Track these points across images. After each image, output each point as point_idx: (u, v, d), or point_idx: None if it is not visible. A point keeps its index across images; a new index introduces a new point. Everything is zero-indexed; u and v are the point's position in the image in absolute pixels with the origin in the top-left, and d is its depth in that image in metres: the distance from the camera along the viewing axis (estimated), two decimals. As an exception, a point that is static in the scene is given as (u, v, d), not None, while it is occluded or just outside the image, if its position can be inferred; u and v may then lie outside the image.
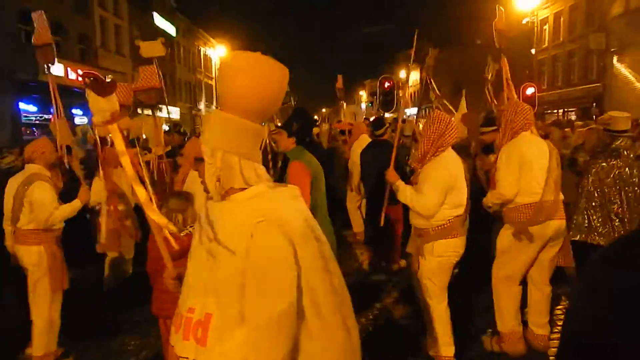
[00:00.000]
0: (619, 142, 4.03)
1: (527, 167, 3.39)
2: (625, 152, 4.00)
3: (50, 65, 4.48)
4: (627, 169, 3.99)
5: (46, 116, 17.22)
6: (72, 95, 14.92)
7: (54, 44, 4.52)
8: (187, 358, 1.40)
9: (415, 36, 4.07)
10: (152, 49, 5.37)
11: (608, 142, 4.11)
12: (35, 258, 3.62)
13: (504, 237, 3.58)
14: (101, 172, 4.86)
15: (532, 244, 3.43)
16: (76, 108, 17.87)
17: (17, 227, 3.67)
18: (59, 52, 15.97)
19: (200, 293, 1.42)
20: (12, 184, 3.71)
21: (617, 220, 4.03)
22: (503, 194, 3.47)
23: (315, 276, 1.39)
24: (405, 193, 3.34)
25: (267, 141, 6.02)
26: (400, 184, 3.44)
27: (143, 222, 5.57)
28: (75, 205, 3.76)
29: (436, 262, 3.27)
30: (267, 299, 1.31)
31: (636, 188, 3.97)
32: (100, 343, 4.06)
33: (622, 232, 3.92)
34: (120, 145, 1.98)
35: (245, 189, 1.46)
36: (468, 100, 7.71)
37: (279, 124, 4.26)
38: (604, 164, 4.07)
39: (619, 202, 4.01)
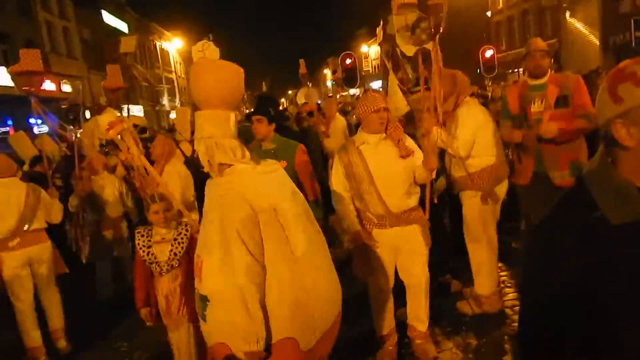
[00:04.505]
0: None
1: (484, 129, 3.52)
2: None
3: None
4: None
5: (2, 129, 16.54)
6: (26, 105, 14.30)
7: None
8: (197, 289, 2.01)
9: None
10: (127, 44, 5.29)
11: None
12: (49, 253, 3.98)
13: (473, 206, 3.62)
14: (79, 178, 4.67)
15: (497, 203, 3.61)
16: (32, 117, 17.13)
17: (28, 229, 3.83)
18: (5, 61, 15.30)
19: (201, 245, 2.02)
20: (12, 192, 3.80)
21: None
22: (459, 152, 3.53)
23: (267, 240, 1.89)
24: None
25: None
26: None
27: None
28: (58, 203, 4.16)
29: None
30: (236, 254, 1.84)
31: None
32: (91, 345, 4.09)
33: None
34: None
35: (232, 165, 1.91)
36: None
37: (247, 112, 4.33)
38: None
39: None
